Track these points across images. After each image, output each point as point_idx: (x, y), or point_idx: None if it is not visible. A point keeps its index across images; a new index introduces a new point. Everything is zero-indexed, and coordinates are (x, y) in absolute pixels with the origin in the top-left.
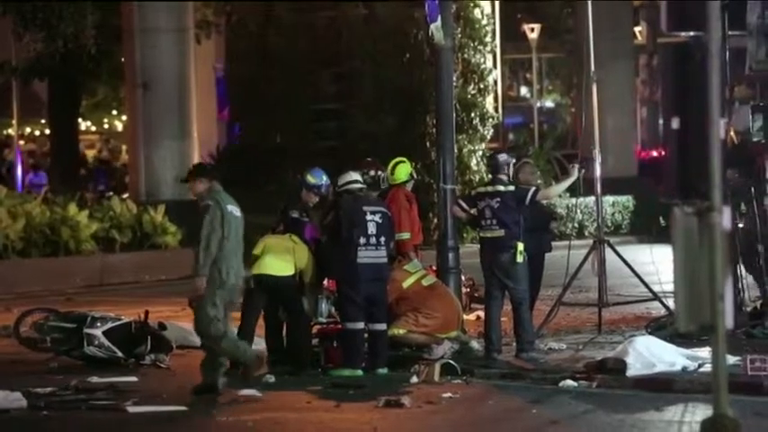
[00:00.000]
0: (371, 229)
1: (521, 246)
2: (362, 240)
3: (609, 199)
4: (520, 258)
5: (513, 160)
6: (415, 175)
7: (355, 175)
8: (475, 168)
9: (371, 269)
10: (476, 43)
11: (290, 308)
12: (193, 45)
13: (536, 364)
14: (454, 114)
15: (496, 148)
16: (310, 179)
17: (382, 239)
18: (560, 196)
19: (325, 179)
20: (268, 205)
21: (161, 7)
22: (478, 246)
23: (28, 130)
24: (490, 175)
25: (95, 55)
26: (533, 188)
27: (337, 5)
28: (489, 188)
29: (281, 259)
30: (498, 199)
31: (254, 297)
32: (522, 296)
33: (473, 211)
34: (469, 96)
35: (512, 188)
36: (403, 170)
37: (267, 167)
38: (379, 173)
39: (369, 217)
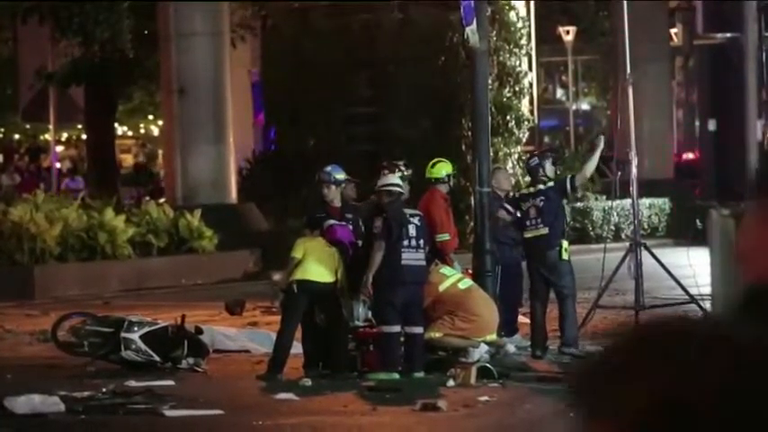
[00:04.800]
0: (412, 231)
1: (565, 243)
2: (405, 242)
3: (645, 201)
4: (565, 255)
5: (547, 162)
6: (451, 180)
7: (396, 179)
8: (510, 171)
9: (412, 271)
10: (511, 46)
11: (331, 313)
12: (229, 50)
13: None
14: (489, 117)
15: (532, 152)
16: (320, 175)
17: (421, 242)
18: (596, 199)
19: (329, 169)
20: (303, 210)
21: (197, 11)
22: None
23: (65, 135)
24: (528, 179)
25: (131, 60)
26: (569, 175)
27: (373, 9)
28: (531, 189)
29: (325, 265)
30: (542, 197)
31: (296, 302)
32: (568, 292)
33: (517, 213)
34: (505, 99)
35: (551, 183)
36: (442, 167)
37: (302, 172)
38: (404, 172)
39: (409, 219)
